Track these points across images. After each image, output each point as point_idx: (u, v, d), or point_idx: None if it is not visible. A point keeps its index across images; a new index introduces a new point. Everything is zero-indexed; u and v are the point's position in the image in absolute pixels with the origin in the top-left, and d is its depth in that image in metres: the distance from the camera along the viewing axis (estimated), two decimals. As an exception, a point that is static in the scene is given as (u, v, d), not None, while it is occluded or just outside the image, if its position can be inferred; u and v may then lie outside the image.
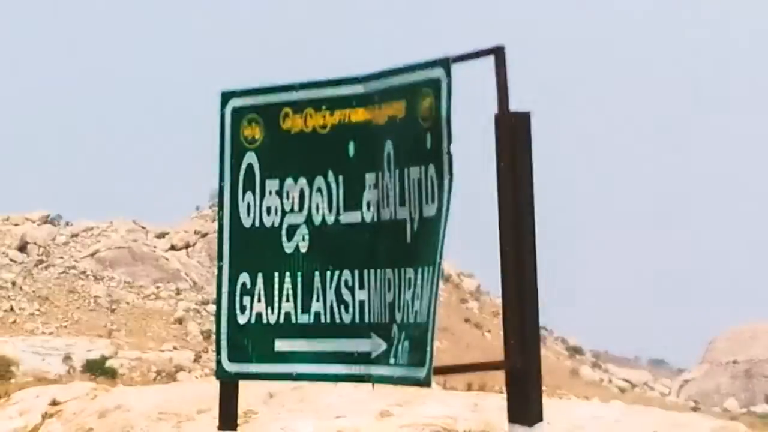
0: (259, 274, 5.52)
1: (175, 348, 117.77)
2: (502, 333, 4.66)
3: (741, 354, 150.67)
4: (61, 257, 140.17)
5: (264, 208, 5.52)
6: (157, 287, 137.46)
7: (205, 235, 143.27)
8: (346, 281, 5.17)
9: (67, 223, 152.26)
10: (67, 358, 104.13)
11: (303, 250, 5.37)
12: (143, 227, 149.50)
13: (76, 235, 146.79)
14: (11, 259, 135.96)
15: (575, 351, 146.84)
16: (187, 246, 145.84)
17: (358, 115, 5.11)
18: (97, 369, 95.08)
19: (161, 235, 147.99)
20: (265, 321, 5.49)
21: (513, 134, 4.71)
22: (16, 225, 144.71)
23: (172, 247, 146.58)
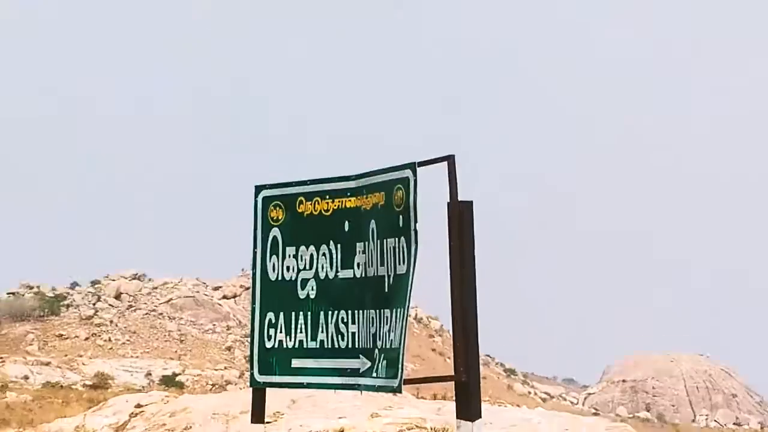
0: (281, 313, 5.58)
1: (225, 368, 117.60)
2: (451, 365, 4.72)
3: (629, 375, 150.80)
4: (146, 303, 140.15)
5: (284, 267, 5.59)
6: (213, 325, 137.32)
7: (247, 288, 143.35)
8: (342, 318, 5.24)
9: (149, 279, 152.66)
10: (148, 374, 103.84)
11: (312, 296, 5.44)
12: (204, 282, 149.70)
13: (156, 288, 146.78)
14: (110, 305, 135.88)
15: (510, 372, 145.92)
16: (234, 296, 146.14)
17: (351, 202, 5.20)
18: (170, 382, 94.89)
19: (216, 288, 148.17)
20: (285, 346, 5.54)
21: (460, 219, 4.76)
22: (114, 280, 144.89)
23: (224, 297, 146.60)
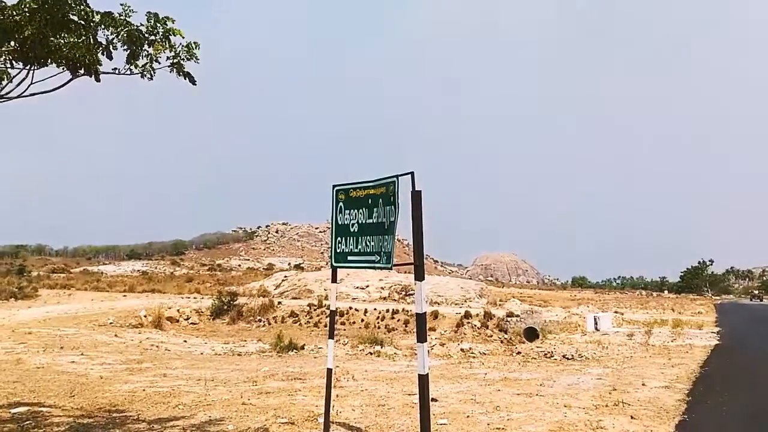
0: (343, 237, 5.43)
1: (320, 261, 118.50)
2: (412, 257, 4.61)
3: (484, 262, 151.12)
4: (288, 233, 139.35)
5: (345, 218, 5.46)
6: (315, 243, 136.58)
7: (329, 227, 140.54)
8: (368, 239, 5.12)
9: (290, 223, 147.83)
10: (289, 264, 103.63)
11: (355, 230, 5.30)
12: (312, 224, 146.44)
13: (293, 227, 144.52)
14: (273, 234, 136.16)
15: (435, 260, 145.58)
16: (325, 231, 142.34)
17: (372, 191, 5.08)
18: (298, 267, 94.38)
19: (317, 228, 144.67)
20: (345, 251, 5.42)
21: (416, 199, 4.65)
22: (275, 224, 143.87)
23: (321, 231, 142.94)
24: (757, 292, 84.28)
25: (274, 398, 7.60)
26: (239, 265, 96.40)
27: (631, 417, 6.72)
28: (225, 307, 27.10)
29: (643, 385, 9.04)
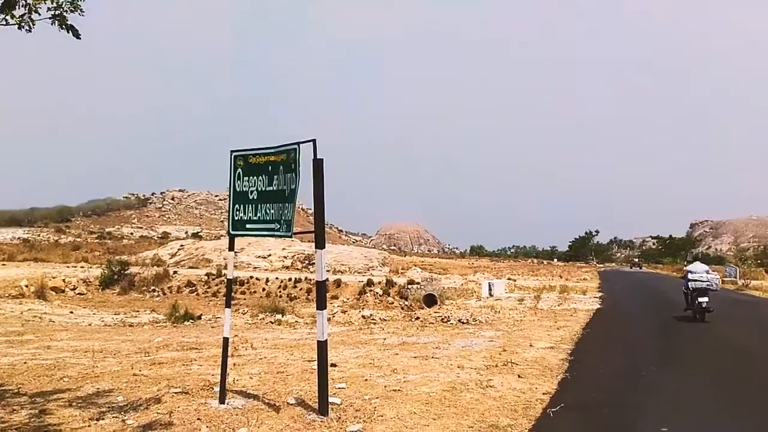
0: (241, 205, 5.38)
1: (220, 230, 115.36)
2: (313, 227, 4.64)
3: (387, 232, 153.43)
4: (185, 201, 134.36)
5: (243, 185, 5.36)
6: (215, 211, 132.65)
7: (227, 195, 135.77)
8: (267, 206, 5.10)
9: (187, 191, 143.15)
10: (186, 232, 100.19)
11: (255, 197, 5.25)
12: (211, 192, 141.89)
13: (190, 194, 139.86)
14: (169, 202, 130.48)
15: (339, 229, 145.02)
16: (225, 198, 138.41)
17: (272, 158, 5.03)
18: (195, 236, 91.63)
19: (217, 195, 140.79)
20: (243, 218, 5.35)
21: (317, 167, 4.67)
22: (171, 191, 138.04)
23: (220, 199, 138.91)
24: (637, 260, 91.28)
25: (167, 368, 7.45)
26: (131, 234, 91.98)
27: (519, 375, 7.18)
28: (115, 276, 26.00)
29: (531, 346, 9.65)
